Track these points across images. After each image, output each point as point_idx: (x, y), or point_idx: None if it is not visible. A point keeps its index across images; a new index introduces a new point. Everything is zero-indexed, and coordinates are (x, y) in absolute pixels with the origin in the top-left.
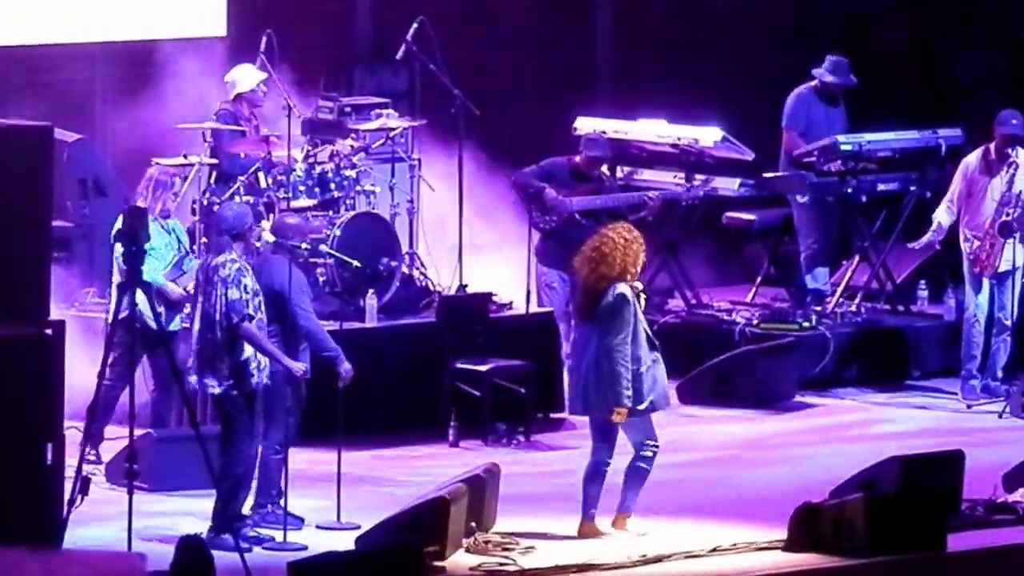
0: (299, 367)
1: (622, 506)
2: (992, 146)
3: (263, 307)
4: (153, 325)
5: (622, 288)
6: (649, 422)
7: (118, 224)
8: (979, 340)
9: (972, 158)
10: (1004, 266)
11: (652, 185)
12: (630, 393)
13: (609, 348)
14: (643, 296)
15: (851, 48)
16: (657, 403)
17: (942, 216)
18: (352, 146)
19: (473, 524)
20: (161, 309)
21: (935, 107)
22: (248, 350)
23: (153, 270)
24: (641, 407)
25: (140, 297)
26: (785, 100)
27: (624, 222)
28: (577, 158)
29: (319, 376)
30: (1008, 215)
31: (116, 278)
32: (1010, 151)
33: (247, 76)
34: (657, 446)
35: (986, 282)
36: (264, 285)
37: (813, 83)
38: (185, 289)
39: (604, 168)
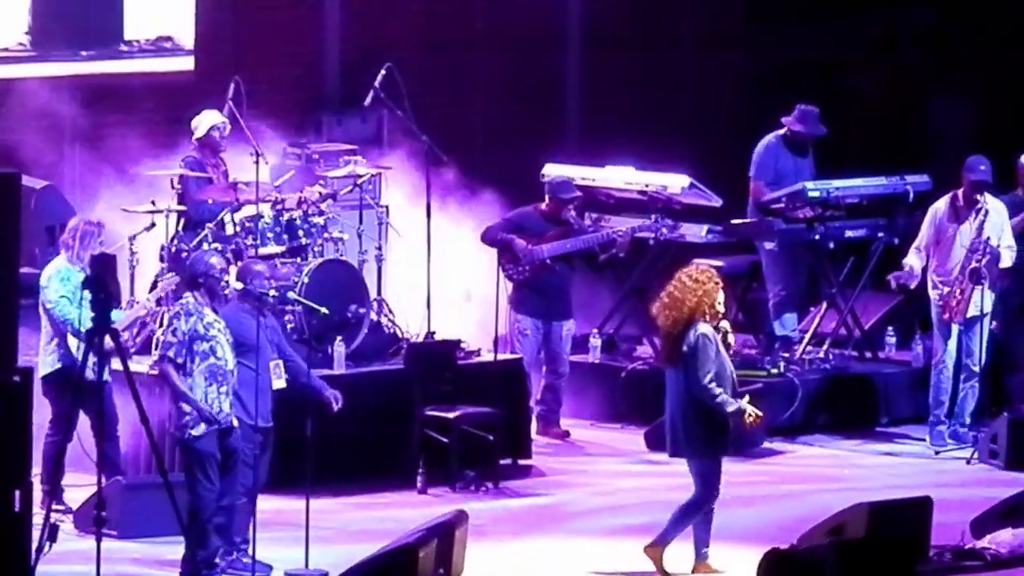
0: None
1: (698, 551)
2: (960, 192)
3: (219, 353)
4: (91, 375)
5: (703, 328)
6: (720, 466)
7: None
8: (947, 386)
9: (940, 204)
10: (972, 312)
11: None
12: (736, 404)
13: (699, 389)
14: (730, 335)
15: (819, 94)
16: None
17: (913, 260)
18: (320, 193)
19: (441, 571)
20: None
21: (903, 154)
22: (210, 394)
23: (87, 319)
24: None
25: (73, 342)
26: (753, 147)
27: (699, 263)
28: (544, 204)
29: (287, 423)
30: (978, 261)
31: (47, 329)
32: (979, 197)
33: (204, 121)
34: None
35: (955, 328)
36: (234, 333)
37: (782, 131)
38: None
39: (572, 211)
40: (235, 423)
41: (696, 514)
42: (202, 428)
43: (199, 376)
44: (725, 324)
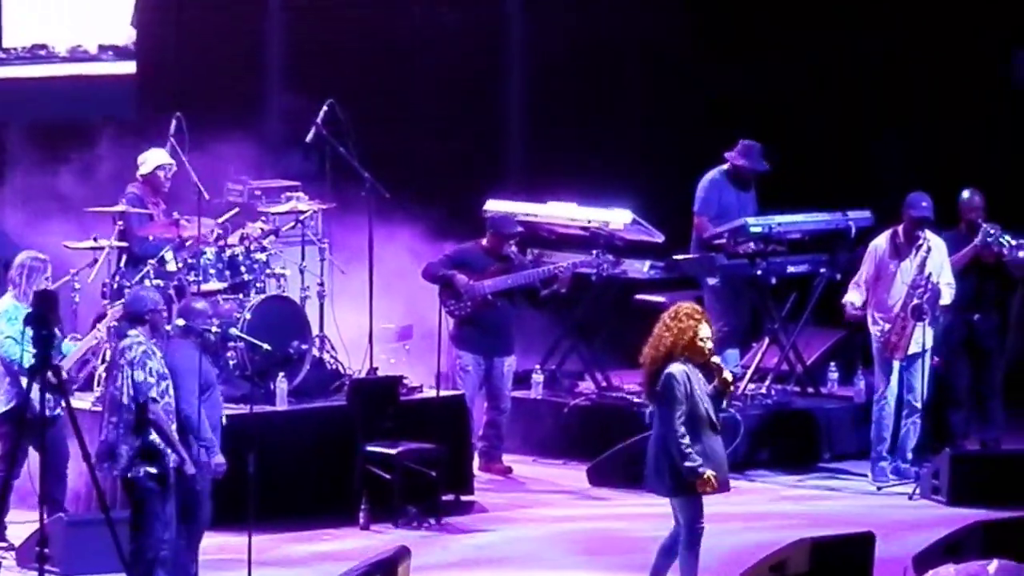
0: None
1: None
2: (901, 229)
3: (170, 391)
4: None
5: (672, 368)
6: (699, 503)
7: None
8: (889, 422)
9: (881, 241)
10: (914, 348)
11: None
12: (699, 466)
13: (668, 430)
14: (726, 372)
15: (762, 130)
16: (717, 485)
17: (854, 296)
18: (262, 229)
19: None
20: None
21: (845, 189)
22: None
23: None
24: (706, 481)
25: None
26: (696, 182)
27: (683, 303)
28: (485, 240)
29: (231, 458)
30: (920, 298)
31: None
32: (920, 233)
33: (150, 159)
34: (702, 527)
35: (896, 365)
36: (169, 368)
37: (725, 167)
38: (67, 372)
39: (513, 246)
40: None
41: (686, 551)
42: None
43: (161, 415)
44: (716, 359)
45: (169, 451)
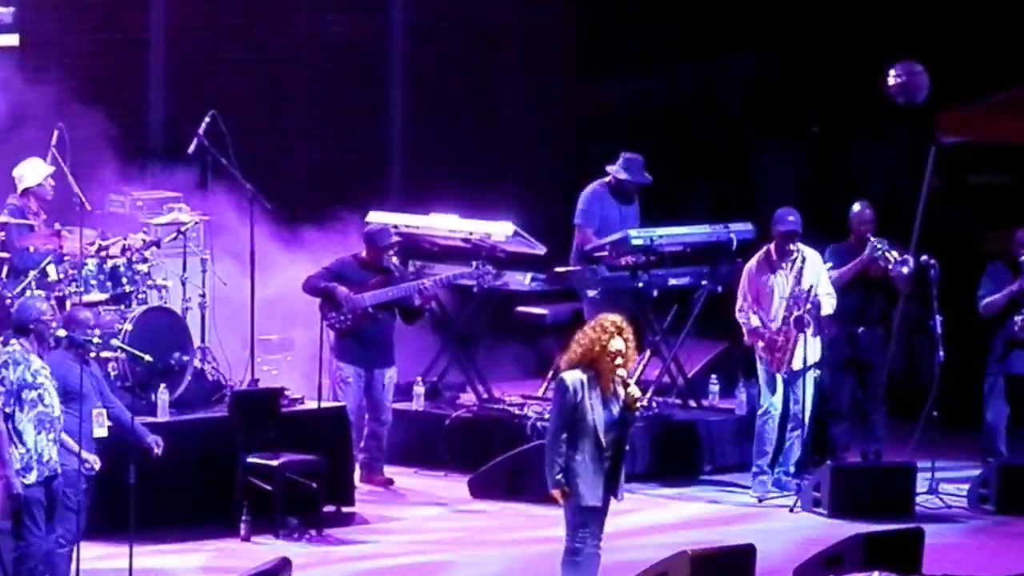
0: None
1: None
2: (772, 246)
3: (47, 400)
4: None
5: (564, 375)
6: (588, 515)
7: None
8: (772, 436)
9: (753, 262)
10: (797, 362)
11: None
12: (559, 477)
13: (548, 433)
14: (632, 388)
15: (643, 143)
16: (585, 497)
17: (755, 320)
18: (144, 240)
19: None
20: None
21: (729, 202)
22: (40, 442)
23: None
24: (578, 496)
25: None
26: (577, 195)
27: (609, 315)
28: (364, 252)
29: (111, 470)
30: (799, 309)
31: None
32: (791, 247)
33: (34, 171)
34: (587, 534)
35: (779, 378)
36: (59, 380)
37: (607, 179)
38: None
39: (394, 258)
40: (59, 470)
41: (567, 561)
42: (33, 476)
43: (28, 424)
44: (622, 373)
45: (45, 459)
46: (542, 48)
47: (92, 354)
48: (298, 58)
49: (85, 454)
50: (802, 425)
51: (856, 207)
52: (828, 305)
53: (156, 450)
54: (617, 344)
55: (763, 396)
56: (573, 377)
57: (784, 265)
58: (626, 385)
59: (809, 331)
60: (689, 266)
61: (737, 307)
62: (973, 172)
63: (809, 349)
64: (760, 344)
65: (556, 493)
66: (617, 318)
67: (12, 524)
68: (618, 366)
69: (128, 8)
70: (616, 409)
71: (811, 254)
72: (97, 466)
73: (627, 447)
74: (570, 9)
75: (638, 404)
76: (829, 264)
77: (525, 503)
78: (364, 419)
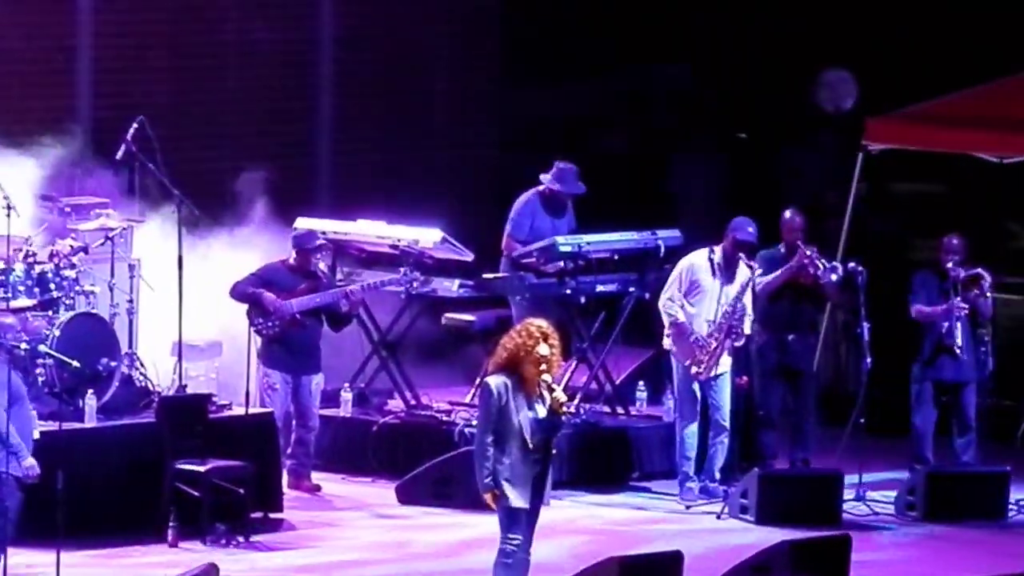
0: None
1: None
2: (720, 249)
3: None
4: None
5: (488, 379)
6: (517, 518)
7: None
8: (693, 442)
9: (696, 259)
10: (720, 369)
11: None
12: (488, 480)
13: (476, 437)
14: (557, 391)
15: (571, 151)
16: (513, 499)
17: (678, 313)
18: (72, 246)
19: None
20: None
21: (655, 209)
22: None
23: None
24: (507, 499)
25: None
26: (505, 202)
27: (536, 320)
28: (291, 258)
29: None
30: (727, 318)
31: None
32: (740, 257)
33: None
34: (519, 540)
35: (696, 384)
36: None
37: (541, 188)
38: None
39: (322, 265)
40: None
41: (499, 563)
42: None
43: None
44: (547, 378)
45: None
46: (470, 57)
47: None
48: (226, 65)
49: (30, 460)
50: (725, 431)
51: (787, 214)
52: (748, 324)
53: (25, 473)
54: (542, 350)
55: (682, 401)
56: (497, 381)
57: (729, 272)
58: (551, 390)
59: (739, 343)
60: (617, 273)
61: (667, 295)
62: (900, 180)
63: (723, 358)
64: (681, 341)
65: (487, 496)
66: (543, 323)
67: None
68: (543, 371)
69: (56, 15)
70: (542, 413)
71: (746, 270)
72: (36, 471)
73: (554, 451)
74: (496, 19)
75: (564, 408)
76: (760, 271)
77: (452, 509)
78: (291, 425)
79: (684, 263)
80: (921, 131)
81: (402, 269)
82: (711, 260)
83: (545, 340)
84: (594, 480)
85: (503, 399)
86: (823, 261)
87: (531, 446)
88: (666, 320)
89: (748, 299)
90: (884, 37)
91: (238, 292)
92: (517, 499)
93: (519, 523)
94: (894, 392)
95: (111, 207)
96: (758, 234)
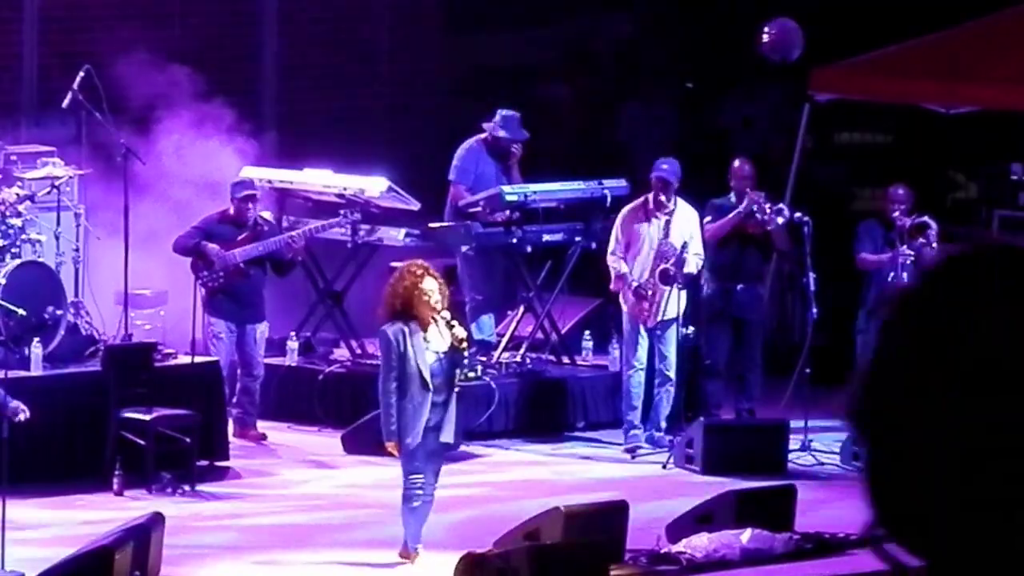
0: None
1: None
2: (651, 195)
3: None
4: None
5: (384, 328)
6: (421, 457)
7: None
8: (639, 391)
9: (629, 207)
10: (669, 315)
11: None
12: (393, 428)
13: (379, 388)
14: (457, 328)
15: (516, 101)
16: (413, 441)
17: (620, 265)
18: (18, 194)
19: (138, 573)
20: None
21: (601, 159)
22: None
23: None
24: (407, 441)
25: None
26: (451, 151)
27: (411, 261)
28: (230, 209)
29: None
30: (666, 262)
31: None
32: (663, 198)
33: None
34: (421, 480)
35: (643, 332)
36: None
37: (483, 136)
38: None
39: (266, 214)
40: None
41: (404, 508)
42: None
43: None
44: (446, 314)
45: None
46: (415, 4)
47: None
48: (171, 13)
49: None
50: (670, 380)
51: (736, 163)
52: (693, 264)
53: (22, 416)
54: (429, 284)
55: (628, 350)
56: (394, 328)
57: (658, 215)
58: (451, 326)
59: (676, 286)
60: (563, 222)
61: (609, 250)
62: (846, 130)
63: (671, 303)
64: (626, 293)
65: (390, 446)
66: (420, 261)
67: None
68: (436, 307)
69: None
70: (443, 352)
71: (686, 210)
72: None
73: (457, 389)
74: None
75: (464, 344)
76: (708, 218)
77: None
78: (236, 374)
79: (620, 215)
80: (867, 81)
81: (341, 212)
82: (645, 208)
83: (428, 273)
84: (539, 429)
85: (401, 345)
86: (770, 205)
87: (432, 387)
88: (612, 275)
89: (698, 243)
90: None
91: (180, 245)
92: (416, 441)
93: (421, 465)
94: (839, 342)
95: (57, 155)
96: (679, 172)
